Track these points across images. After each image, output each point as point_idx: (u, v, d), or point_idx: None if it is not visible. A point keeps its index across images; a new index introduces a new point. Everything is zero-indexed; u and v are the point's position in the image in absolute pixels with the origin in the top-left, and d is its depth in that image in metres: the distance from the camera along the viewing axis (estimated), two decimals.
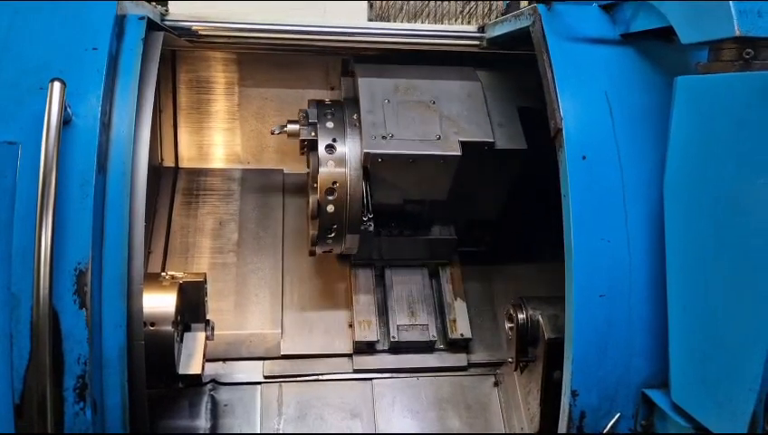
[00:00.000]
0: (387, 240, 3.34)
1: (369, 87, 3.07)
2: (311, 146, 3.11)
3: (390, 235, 3.34)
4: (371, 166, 2.93)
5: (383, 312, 3.39)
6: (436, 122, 2.97)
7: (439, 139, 2.92)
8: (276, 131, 3.23)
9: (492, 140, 2.96)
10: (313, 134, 3.06)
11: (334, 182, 2.95)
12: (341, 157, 2.98)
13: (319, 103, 3.19)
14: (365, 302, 3.37)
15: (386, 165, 2.92)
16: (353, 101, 3.15)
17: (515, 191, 3.29)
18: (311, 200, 3.06)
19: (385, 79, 3.11)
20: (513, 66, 3.21)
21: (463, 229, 3.47)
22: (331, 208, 2.98)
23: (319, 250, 3.21)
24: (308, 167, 3.26)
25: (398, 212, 3.26)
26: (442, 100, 3.06)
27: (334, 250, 3.23)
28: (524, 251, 3.61)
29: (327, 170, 2.96)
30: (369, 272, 3.45)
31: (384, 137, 2.89)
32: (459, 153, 2.90)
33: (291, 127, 3.18)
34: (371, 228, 3.04)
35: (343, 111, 3.12)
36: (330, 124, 3.06)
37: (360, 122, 2.98)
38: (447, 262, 3.52)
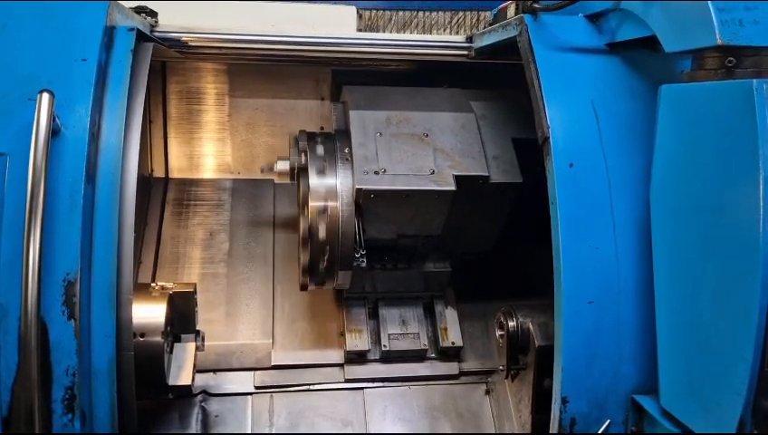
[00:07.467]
0: (380, 274, 3.28)
1: (361, 119, 3.00)
2: (301, 176, 3.03)
3: (384, 268, 3.26)
4: (364, 201, 2.85)
5: (374, 321, 3.39)
6: (430, 156, 2.91)
7: (433, 173, 2.85)
8: (265, 170, 3.22)
9: (487, 174, 2.90)
10: (304, 160, 2.99)
11: (325, 207, 2.88)
12: (333, 191, 2.92)
13: (309, 135, 3.12)
14: (356, 311, 3.37)
15: (379, 200, 2.85)
16: (344, 133, 3.09)
17: (510, 222, 3.21)
18: (301, 228, 2.99)
19: (377, 111, 3.04)
20: (506, 96, 3.20)
21: (457, 261, 3.39)
22: (322, 235, 2.90)
23: (311, 286, 3.15)
24: (298, 194, 3.17)
25: (391, 246, 3.19)
26: (435, 132, 3.00)
27: (326, 286, 3.17)
28: (520, 284, 3.54)
29: (318, 204, 2.90)
30: (362, 306, 3.40)
31: (377, 172, 2.82)
32: (454, 188, 2.83)
33: (281, 164, 3.16)
34: (364, 264, 2.97)
35: (334, 143, 3.04)
36: (320, 150, 2.99)
37: (351, 156, 2.91)
38: (441, 294, 3.46)
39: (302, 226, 2.98)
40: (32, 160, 1.83)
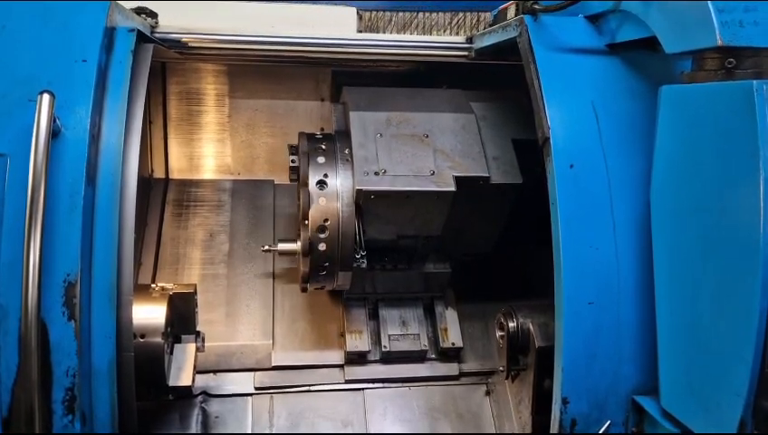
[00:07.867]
0: (380, 274, 3.27)
1: (361, 120, 2.99)
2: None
3: (384, 269, 3.26)
4: (364, 202, 2.85)
5: (374, 322, 3.38)
6: (430, 157, 2.90)
7: (433, 174, 2.84)
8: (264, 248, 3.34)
9: (487, 175, 2.89)
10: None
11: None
12: (333, 193, 2.91)
13: (310, 137, 3.12)
14: (356, 312, 3.37)
15: (379, 201, 2.84)
16: (345, 134, 3.08)
17: (510, 222, 3.20)
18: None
19: (377, 112, 3.03)
20: (506, 96, 3.20)
21: (457, 262, 3.38)
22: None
23: (310, 287, 3.16)
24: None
25: (391, 247, 3.19)
26: (435, 133, 2.99)
27: (326, 287, 3.17)
28: (520, 285, 3.54)
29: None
30: (362, 307, 3.39)
31: (377, 173, 2.81)
32: (454, 189, 2.82)
33: (282, 246, 3.23)
34: (364, 265, 2.96)
35: (335, 144, 3.04)
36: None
37: (351, 157, 2.91)
38: (441, 295, 3.45)
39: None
40: (32, 162, 1.83)
